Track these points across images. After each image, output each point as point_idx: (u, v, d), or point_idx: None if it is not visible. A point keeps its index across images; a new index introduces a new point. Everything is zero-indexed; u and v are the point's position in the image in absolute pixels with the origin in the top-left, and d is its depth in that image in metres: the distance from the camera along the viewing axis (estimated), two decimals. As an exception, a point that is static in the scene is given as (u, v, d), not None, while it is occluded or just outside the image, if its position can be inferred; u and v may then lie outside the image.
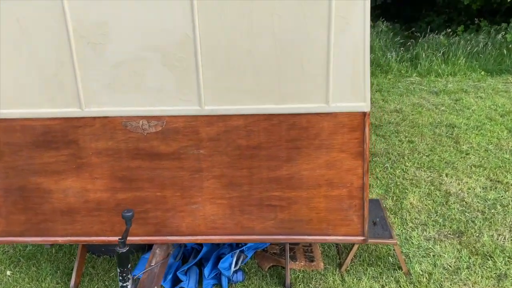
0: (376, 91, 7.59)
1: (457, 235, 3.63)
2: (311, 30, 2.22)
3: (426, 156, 5.08)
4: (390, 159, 5.05)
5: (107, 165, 2.55)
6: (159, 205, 2.63)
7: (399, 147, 5.36)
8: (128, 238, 2.72)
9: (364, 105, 2.34)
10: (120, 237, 2.25)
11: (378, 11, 11.63)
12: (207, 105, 2.40)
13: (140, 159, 2.53)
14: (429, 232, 3.68)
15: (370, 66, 8.80)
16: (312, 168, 2.49)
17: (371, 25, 10.17)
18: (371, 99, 7.31)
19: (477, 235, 3.61)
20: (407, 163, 4.91)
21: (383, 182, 4.53)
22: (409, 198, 4.20)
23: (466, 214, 3.92)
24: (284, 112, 2.39)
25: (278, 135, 2.44)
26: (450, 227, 3.74)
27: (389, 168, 4.81)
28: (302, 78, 2.32)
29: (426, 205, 4.09)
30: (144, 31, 2.28)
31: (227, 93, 2.37)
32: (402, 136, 5.65)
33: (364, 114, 2.36)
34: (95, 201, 2.64)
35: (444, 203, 4.11)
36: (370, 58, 9.14)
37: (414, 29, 10.67)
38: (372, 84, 7.99)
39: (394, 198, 4.23)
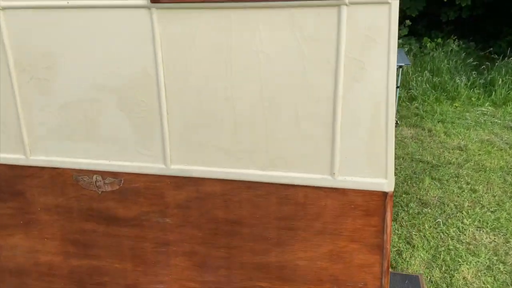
0: (438, 122, 6.61)
1: (523, 337, 2.76)
2: (311, 75, 1.58)
3: (491, 212, 4.13)
4: (444, 211, 4.17)
5: (58, 224, 2.07)
6: (119, 279, 2.10)
7: (458, 196, 4.45)
8: (85, 312, 2.24)
9: (385, 183, 1.65)
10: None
11: (450, 27, 10.43)
12: (174, 163, 1.83)
13: (95, 222, 2.02)
14: (485, 327, 2.83)
15: (435, 91, 7.79)
16: (311, 258, 1.83)
17: (439, 44, 9.09)
18: (431, 130, 6.36)
19: None
20: (465, 220, 4.01)
21: (431, 243, 3.69)
22: (463, 271, 3.34)
23: (539, 304, 3.01)
24: (274, 181, 1.76)
25: (266, 210, 1.81)
26: (515, 322, 2.86)
27: (441, 225, 3.94)
28: (297, 138, 1.68)
29: (484, 283, 3.22)
30: (97, 67, 1.76)
31: (199, 150, 1.79)
32: (463, 182, 4.71)
33: (385, 194, 1.66)
34: (47, 265, 2.18)
35: (509, 283, 3.21)
36: (436, 81, 8.07)
37: (492, 49, 9.38)
38: (434, 112, 6.99)
39: (443, 268, 3.39)
